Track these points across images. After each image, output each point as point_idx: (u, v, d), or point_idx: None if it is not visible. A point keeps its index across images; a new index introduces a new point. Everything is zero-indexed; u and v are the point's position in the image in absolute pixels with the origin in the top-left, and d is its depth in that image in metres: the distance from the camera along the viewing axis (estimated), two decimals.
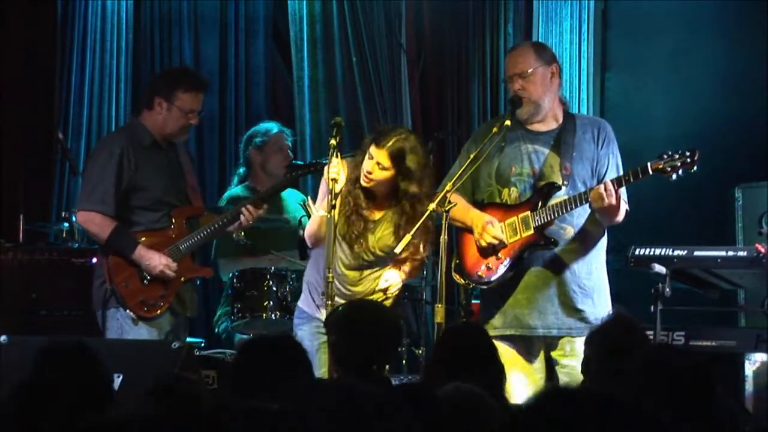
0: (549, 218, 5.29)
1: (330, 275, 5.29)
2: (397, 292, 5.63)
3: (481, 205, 5.49)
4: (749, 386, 6.37)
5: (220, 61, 8.37)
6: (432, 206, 5.28)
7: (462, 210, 5.44)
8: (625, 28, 8.01)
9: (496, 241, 5.34)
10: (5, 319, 6.28)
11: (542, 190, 5.35)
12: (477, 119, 8.40)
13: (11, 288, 6.57)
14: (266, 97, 8.53)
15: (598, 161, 5.40)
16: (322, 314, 5.49)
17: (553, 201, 5.32)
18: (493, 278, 5.38)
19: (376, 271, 5.62)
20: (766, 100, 7.40)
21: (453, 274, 5.53)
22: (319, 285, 5.56)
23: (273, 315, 6.35)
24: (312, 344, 5.57)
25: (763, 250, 6.15)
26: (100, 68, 8.10)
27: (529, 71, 5.39)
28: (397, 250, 5.42)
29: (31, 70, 8.08)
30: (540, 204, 5.32)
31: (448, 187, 5.26)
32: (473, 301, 7.24)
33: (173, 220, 5.92)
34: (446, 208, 5.23)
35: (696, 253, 6.28)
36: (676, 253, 6.23)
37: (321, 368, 5.46)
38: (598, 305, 5.39)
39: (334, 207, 5.34)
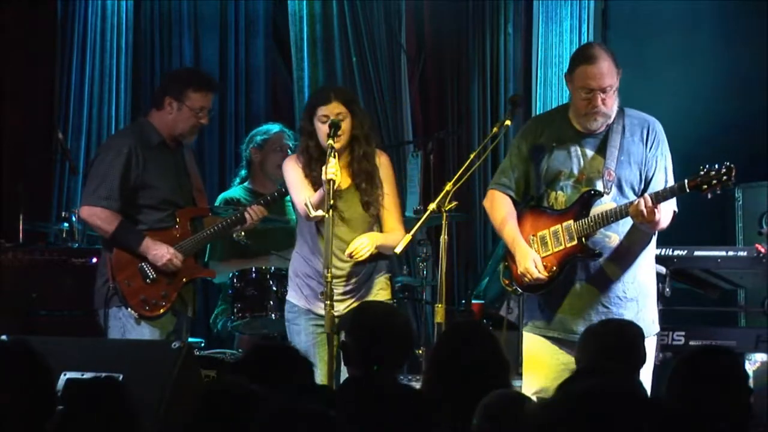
0: (591, 229, 5.18)
1: (329, 275, 5.29)
2: (366, 256, 5.54)
3: (526, 210, 5.39)
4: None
5: (220, 61, 8.36)
6: (432, 206, 5.28)
7: (508, 230, 5.32)
8: (625, 28, 8.01)
9: (537, 284, 5.24)
10: (5, 319, 6.28)
11: (585, 198, 5.23)
12: (477, 119, 8.40)
13: (11, 288, 6.57)
14: (266, 97, 8.53)
15: (645, 163, 5.27)
16: (317, 307, 5.50)
17: (598, 208, 5.20)
18: (540, 287, 5.30)
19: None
20: (766, 101, 7.40)
21: (501, 278, 5.46)
22: (309, 276, 5.58)
23: (273, 315, 6.34)
24: (309, 339, 5.58)
25: (763, 250, 6.16)
26: (100, 68, 8.10)
27: (613, 86, 5.23)
28: (397, 250, 5.42)
29: (31, 70, 8.08)
30: (583, 212, 5.21)
31: (448, 187, 5.24)
32: (473, 301, 7.26)
33: (178, 220, 5.92)
34: (446, 208, 5.23)
35: (696, 253, 6.29)
36: (676, 253, 6.24)
37: (319, 363, 5.46)
38: (642, 311, 5.26)
39: (332, 207, 5.34)
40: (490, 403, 3.38)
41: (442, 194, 5.25)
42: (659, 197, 5.08)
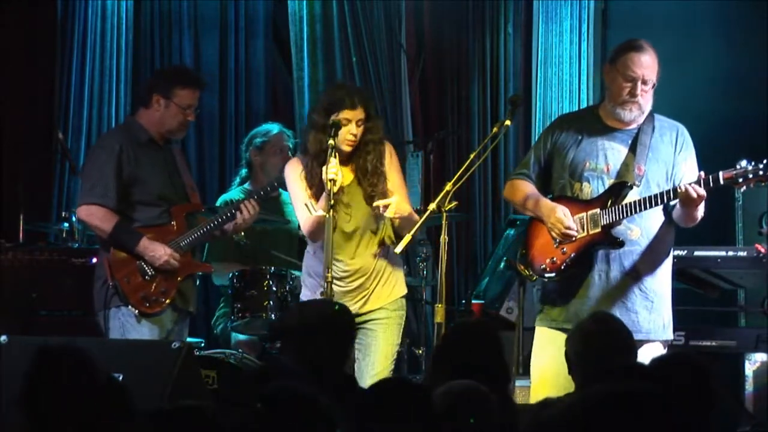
0: (618, 218, 5.20)
1: (329, 275, 5.28)
2: (391, 212, 5.44)
3: (553, 198, 5.39)
4: (749, 386, 6.40)
5: (220, 61, 8.37)
6: (432, 206, 5.28)
7: (532, 198, 5.36)
8: (625, 28, 8.01)
9: (570, 232, 5.25)
10: (5, 319, 6.28)
11: (614, 188, 5.26)
12: (477, 119, 8.41)
13: (11, 288, 6.57)
14: (266, 98, 8.53)
15: (674, 166, 5.31)
16: None
17: (625, 201, 5.22)
18: (555, 272, 5.30)
19: (368, 244, 5.58)
20: (766, 100, 7.41)
21: (518, 264, 5.47)
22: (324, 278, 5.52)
23: (273, 315, 6.34)
24: None
25: (763, 250, 6.17)
26: (100, 68, 8.10)
27: (653, 82, 5.30)
28: (397, 250, 5.41)
29: (31, 70, 8.09)
30: (611, 202, 5.23)
31: (447, 188, 5.25)
32: (473, 301, 7.26)
33: (173, 217, 5.93)
34: (446, 208, 5.23)
35: (696, 253, 6.30)
36: (676, 253, 6.23)
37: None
38: (655, 311, 5.29)
39: (332, 207, 5.33)
40: (447, 392, 3.38)
41: (442, 194, 5.25)
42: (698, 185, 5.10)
